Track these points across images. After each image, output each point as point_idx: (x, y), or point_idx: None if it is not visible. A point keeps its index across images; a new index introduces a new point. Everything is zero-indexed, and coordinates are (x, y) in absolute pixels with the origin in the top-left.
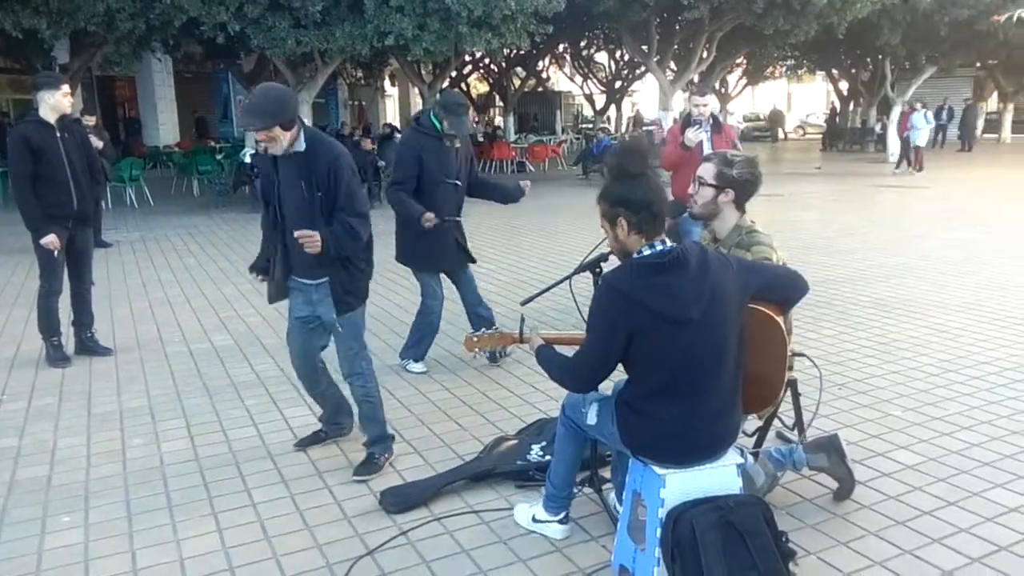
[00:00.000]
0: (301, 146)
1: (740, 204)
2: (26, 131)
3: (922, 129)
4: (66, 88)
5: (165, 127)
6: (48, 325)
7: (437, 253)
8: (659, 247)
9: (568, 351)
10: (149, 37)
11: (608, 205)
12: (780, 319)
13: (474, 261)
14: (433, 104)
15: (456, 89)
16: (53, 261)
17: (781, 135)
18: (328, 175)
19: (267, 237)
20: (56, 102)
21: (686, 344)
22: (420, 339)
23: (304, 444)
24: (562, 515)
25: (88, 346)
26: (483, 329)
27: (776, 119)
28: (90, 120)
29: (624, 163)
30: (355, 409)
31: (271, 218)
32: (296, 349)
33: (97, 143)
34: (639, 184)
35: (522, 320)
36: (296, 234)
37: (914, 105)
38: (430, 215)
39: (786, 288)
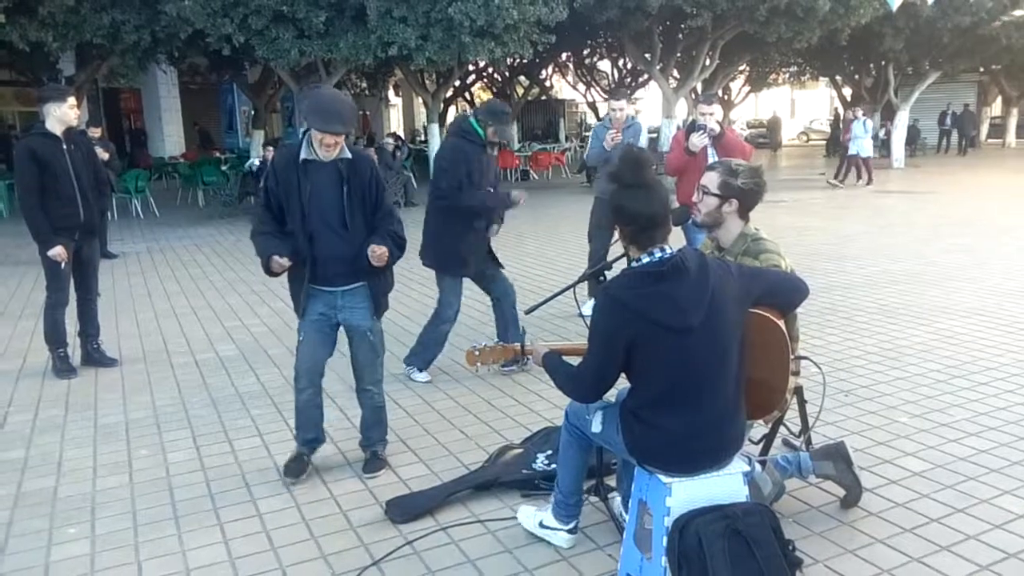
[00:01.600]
0: (348, 154)
1: (744, 213)
2: (32, 143)
3: (863, 138)
4: (72, 100)
5: (170, 138)
6: (54, 336)
7: (470, 256)
8: (658, 255)
9: (573, 360)
10: (154, 49)
11: (611, 211)
12: (781, 323)
13: (502, 266)
14: (476, 111)
15: (498, 99)
16: (60, 273)
17: (783, 141)
18: (371, 180)
19: (265, 236)
20: (62, 114)
21: (687, 352)
22: (426, 347)
23: (295, 474)
24: (572, 524)
25: (94, 357)
26: (484, 343)
27: (775, 126)
28: (96, 132)
29: (621, 172)
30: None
31: (299, 229)
32: (310, 355)
33: (103, 155)
34: (636, 195)
35: (523, 332)
36: (374, 255)
37: (855, 113)
38: (522, 192)
39: (787, 292)
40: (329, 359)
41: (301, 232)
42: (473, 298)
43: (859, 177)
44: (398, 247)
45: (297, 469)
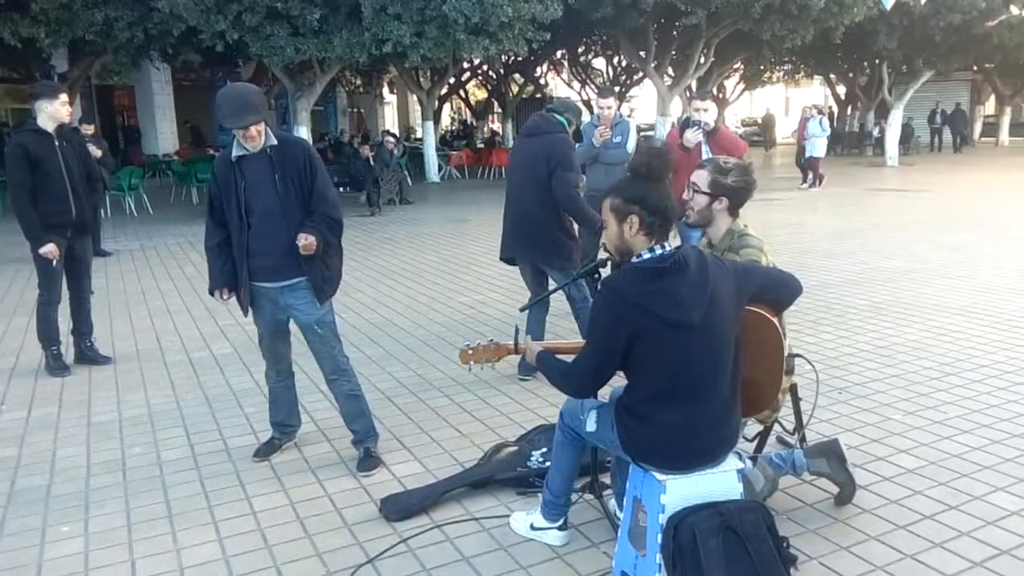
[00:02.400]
0: (273, 140)
1: (734, 210)
2: (24, 140)
3: (819, 138)
4: (64, 97)
5: (164, 136)
6: (47, 334)
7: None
8: (659, 251)
9: (566, 358)
10: (147, 46)
11: (622, 201)
12: (775, 320)
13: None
14: (555, 107)
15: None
16: (52, 270)
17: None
18: (304, 163)
19: (216, 251)
20: (54, 111)
21: (686, 348)
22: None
23: (264, 454)
24: (560, 521)
25: (87, 355)
26: (478, 341)
27: (769, 124)
28: (88, 129)
29: (653, 164)
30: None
31: (236, 227)
32: (272, 351)
33: (96, 152)
34: (658, 188)
35: (516, 330)
36: (301, 244)
37: (811, 111)
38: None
39: (780, 289)
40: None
41: (239, 228)
42: (478, 299)
43: (804, 180)
44: (331, 230)
45: (266, 451)
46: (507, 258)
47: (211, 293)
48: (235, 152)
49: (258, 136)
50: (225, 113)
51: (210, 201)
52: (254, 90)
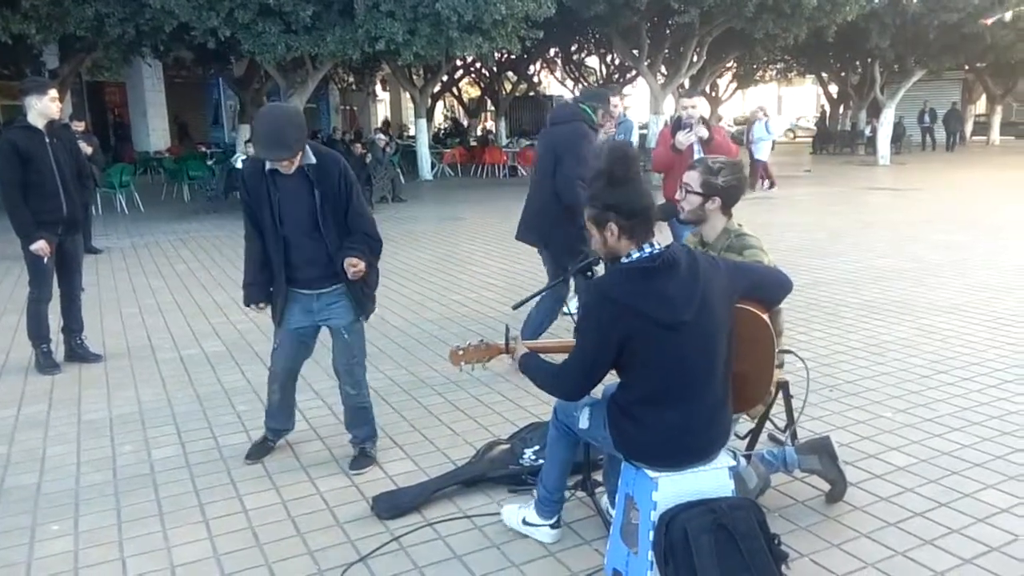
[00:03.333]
0: (311, 159)
1: (727, 209)
2: (14, 137)
3: (765, 140)
4: (53, 93)
5: (155, 133)
6: (38, 332)
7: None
8: (648, 250)
9: (556, 358)
10: (139, 42)
11: (597, 210)
12: (766, 317)
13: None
14: (582, 97)
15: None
16: (42, 267)
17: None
18: (340, 182)
19: (255, 261)
20: (43, 107)
21: (678, 347)
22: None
23: (256, 455)
24: (554, 519)
25: (78, 353)
26: (469, 341)
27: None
28: (79, 125)
29: (614, 168)
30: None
31: (272, 237)
32: (285, 362)
33: (86, 149)
34: (629, 189)
35: (507, 330)
36: (350, 271)
37: (759, 113)
38: None
39: (771, 286)
40: (310, 356)
41: (274, 239)
42: (472, 297)
43: (756, 182)
44: (373, 251)
45: (258, 452)
46: (521, 240)
47: (247, 304)
48: (269, 164)
49: (290, 165)
50: (258, 140)
51: (244, 209)
52: (293, 121)
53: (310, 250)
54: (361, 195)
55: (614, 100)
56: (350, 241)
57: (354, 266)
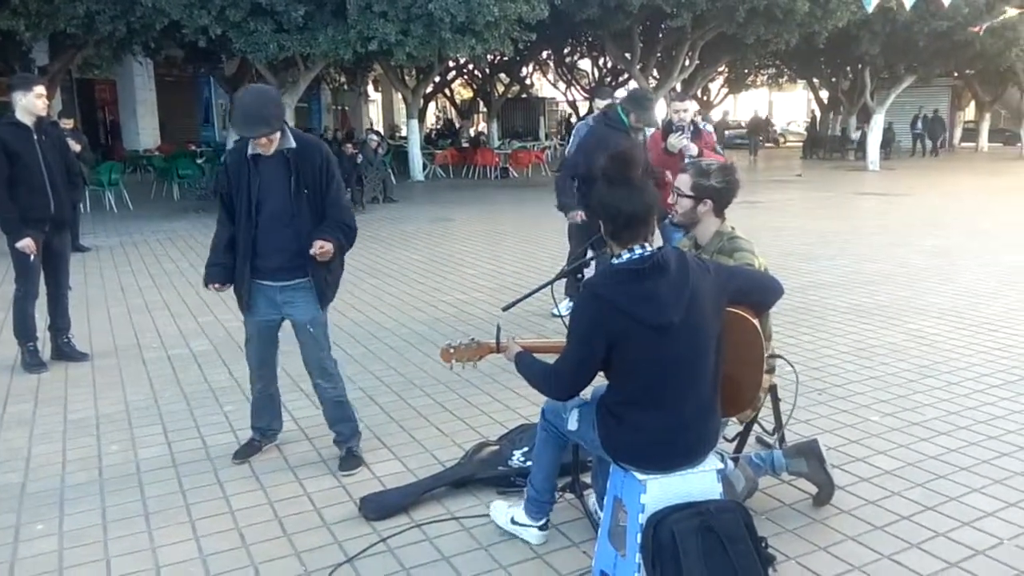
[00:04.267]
0: (292, 143)
1: (719, 211)
2: (2, 133)
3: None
4: (39, 90)
5: (145, 131)
6: (24, 330)
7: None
8: (638, 252)
9: (547, 358)
10: (130, 40)
11: (589, 210)
12: (756, 322)
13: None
14: (622, 100)
15: (640, 88)
16: (29, 265)
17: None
18: (321, 169)
19: (222, 244)
20: (29, 103)
21: (666, 349)
22: None
23: (243, 455)
24: (543, 521)
25: (64, 351)
26: (460, 340)
27: (755, 127)
28: (68, 123)
29: (608, 169)
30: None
31: (244, 222)
32: (258, 354)
33: (75, 146)
34: (622, 191)
35: (498, 329)
36: (315, 251)
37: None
38: (579, 214)
39: (762, 291)
40: (277, 348)
41: (246, 225)
42: (461, 298)
43: None
44: (346, 237)
45: (245, 452)
46: None
47: (205, 285)
48: (251, 150)
49: (269, 144)
50: (237, 118)
51: (220, 195)
52: (271, 98)
53: (280, 238)
54: (342, 186)
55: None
56: (324, 225)
57: (321, 247)
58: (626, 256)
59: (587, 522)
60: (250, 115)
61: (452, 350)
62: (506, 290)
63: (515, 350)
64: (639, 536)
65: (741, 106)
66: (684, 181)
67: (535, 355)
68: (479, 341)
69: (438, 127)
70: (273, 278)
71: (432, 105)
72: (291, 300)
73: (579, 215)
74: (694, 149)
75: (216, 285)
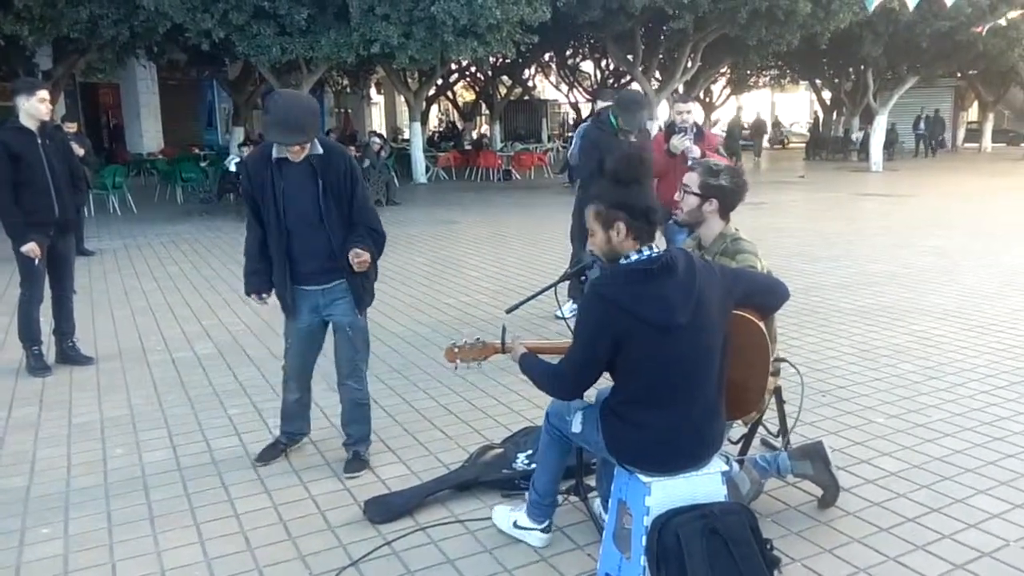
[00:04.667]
0: (319, 149)
1: (725, 213)
2: (6, 137)
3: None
4: (42, 94)
5: (148, 134)
6: (29, 334)
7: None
8: (646, 253)
9: (552, 359)
10: (133, 44)
11: (606, 208)
12: (762, 325)
13: None
14: (615, 103)
15: (631, 90)
16: (33, 269)
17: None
18: (346, 175)
19: (255, 250)
20: (31, 108)
21: (672, 350)
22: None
23: (267, 458)
24: (545, 523)
25: (69, 355)
26: (464, 339)
27: (758, 129)
28: (71, 127)
29: (623, 170)
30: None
31: (275, 228)
32: (300, 357)
33: (78, 150)
34: (638, 190)
35: (504, 329)
36: (355, 261)
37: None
38: None
39: (768, 294)
40: (320, 351)
41: (277, 230)
42: (465, 301)
43: None
44: (377, 245)
45: (269, 455)
46: None
47: (248, 294)
48: (276, 153)
49: (301, 152)
50: (272, 124)
51: (245, 198)
52: (309, 107)
53: (312, 242)
54: (367, 190)
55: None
56: (355, 234)
57: (359, 257)
58: (634, 257)
59: (591, 525)
60: (288, 122)
61: (457, 349)
62: (509, 292)
63: (520, 351)
64: (644, 538)
65: (744, 107)
66: (692, 179)
67: (540, 356)
68: (484, 341)
69: (441, 130)
70: (313, 282)
71: (434, 108)
72: (332, 302)
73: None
74: (697, 151)
75: (262, 295)
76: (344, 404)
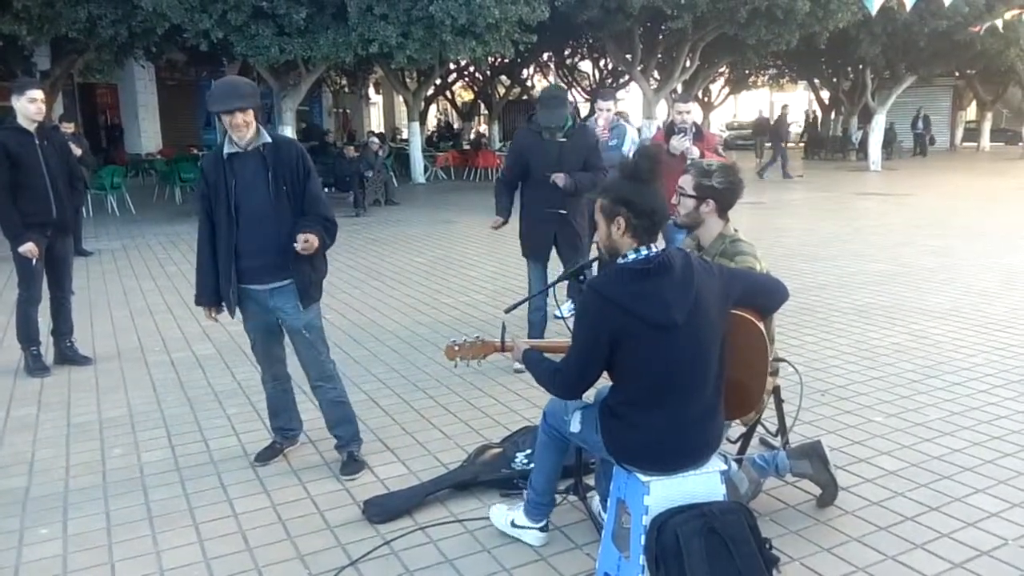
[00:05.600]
0: (267, 137)
1: (722, 212)
2: (3, 138)
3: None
4: (32, 94)
5: (147, 135)
6: (27, 334)
7: (528, 241)
8: (644, 252)
9: (552, 358)
10: (131, 44)
11: (610, 201)
12: (761, 325)
13: (577, 254)
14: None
15: (552, 86)
16: (31, 269)
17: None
18: (297, 164)
19: (206, 262)
20: (21, 108)
21: (670, 350)
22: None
23: (264, 458)
24: (542, 523)
25: (68, 355)
26: (464, 338)
27: (760, 128)
28: (69, 127)
29: (640, 165)
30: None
31: (225, 224)
32: (264, 348)
33: (76, 150)
34: (647, 190)
35: (503, 328)
36: (299, 246)
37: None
38: (496, 220)
39: (767, 295)
40: (284, 339)
41: (227, 227)
42: (463, 300)
43: None
44: (329, 233)
45: (266, 455)
46: None
47: (198, 304)
48: (227, 149)
49: (245, 127)
50: (213, 97)
51: (201, 201)
52: (247, 81)
53: (262, 238)
54: (319, 181)
55: (605, 104)
56: (305, 220)
57: (305, 240)
58: (632, 256)
59: (590, 524)
60: (225, 91)
61: (457, 347)
62: (508, 292)
63: (522, 348)
64: (643, 538)
65: (742, 107)
66: (687, 181)
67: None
68: (484, 339)
69: (439, 129)
70: (258, 280)
71: (433, 107)
72: (281, 305)
73: (496, 221)
74: (696, 151)
75: (211, 310)
76: (323, 407)
